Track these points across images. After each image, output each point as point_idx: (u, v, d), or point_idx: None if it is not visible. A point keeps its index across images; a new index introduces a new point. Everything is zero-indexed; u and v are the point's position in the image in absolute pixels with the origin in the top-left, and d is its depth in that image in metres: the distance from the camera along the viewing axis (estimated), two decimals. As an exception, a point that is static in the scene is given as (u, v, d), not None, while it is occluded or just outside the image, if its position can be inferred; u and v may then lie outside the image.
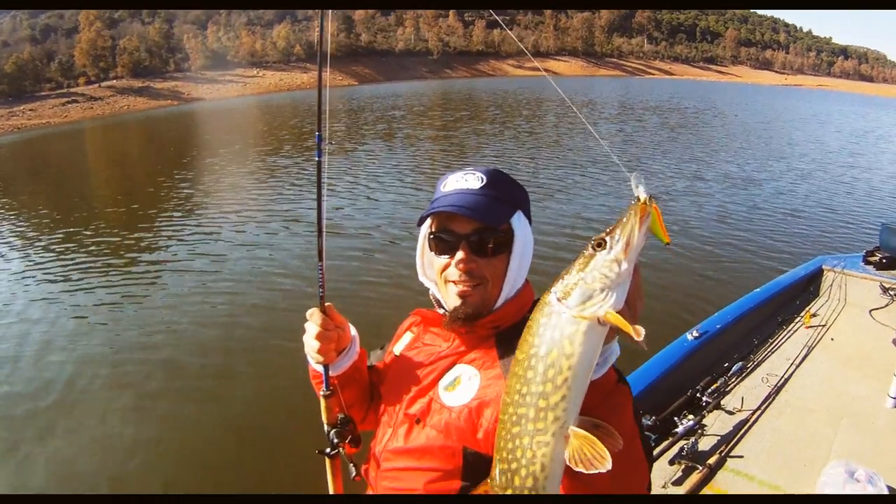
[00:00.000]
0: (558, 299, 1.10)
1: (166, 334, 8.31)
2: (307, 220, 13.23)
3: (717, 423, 4.02)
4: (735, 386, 4.44)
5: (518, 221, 1.58)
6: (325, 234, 1.79)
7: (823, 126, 36.47)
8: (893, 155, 25.02)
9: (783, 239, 11.89)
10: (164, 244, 12.68)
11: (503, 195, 1.59)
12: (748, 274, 9.75)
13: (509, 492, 1.15)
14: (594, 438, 1.07)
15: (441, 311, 1.67)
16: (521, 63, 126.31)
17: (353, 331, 1.79)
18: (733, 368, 4.56)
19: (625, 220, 1.09)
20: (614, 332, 1.10)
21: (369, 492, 1.73)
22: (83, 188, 21.18)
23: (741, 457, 3.71)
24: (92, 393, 6.92)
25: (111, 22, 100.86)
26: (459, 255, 1.53)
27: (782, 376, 4.50)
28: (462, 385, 1.54)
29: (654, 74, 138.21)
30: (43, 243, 13.24)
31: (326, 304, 1.72)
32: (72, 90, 73.57)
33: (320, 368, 1.75)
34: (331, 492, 1.87)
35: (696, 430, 3.90)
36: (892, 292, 5.75)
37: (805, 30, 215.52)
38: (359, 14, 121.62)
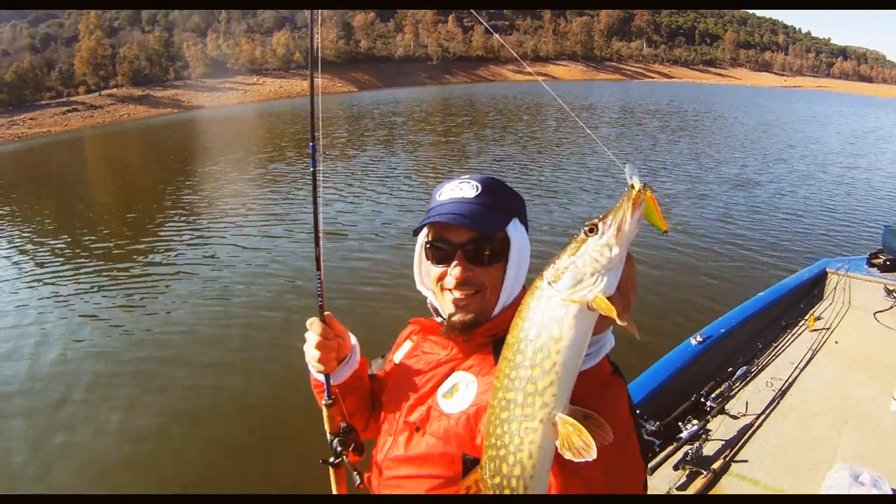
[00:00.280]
0: (549, 283, 1.09)
1: (169, 339, 8.37)
2: (310, 225, 13.15)
3: (721, 428, 4.00)
4: (739, 390, 4.43)
5: (514, 229, 1.59)
6: (322, 244, 1.80)
7: (824, 127, 36.55)
8: (894, 155, 25.02)
9: (786, 241, 11.91)
10: (167, 250, 12.76)
11: (498, 203, 1.60)
12: (751, 277, 9.76)
13: (497, 479, 1.14)
14: (581, 426, 1.05)
15: (439, 319, 1.67)
16: (521, 68, 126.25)
17: (353, 339, 1.80)
18: (737, 373, 4.55)
19: (617, 206, 1.08)
20: (607, 321, 1.09)
21: None
22: (85, 196, 21.25)
23: (746, 461, 3.70)
24: (96, 398, 6.97)
25: (111, 30, 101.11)
26: (456, 264, 1.54)
27: (787, 380, 4.48)
28: (460, 392, 1.55)
29: (653, 78, 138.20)
30: (48, 249, 13.38)
31: (326, 313, 1.72)
32: (72, 99, 73.63)
33: (321, 377, 1.75)
34: None
35: (701, 434, 3.87)
36: None
37: (804, 31, 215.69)
38: (358, 20, 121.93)
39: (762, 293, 5.76)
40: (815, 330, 5.29)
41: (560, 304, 1.07)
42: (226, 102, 76.58)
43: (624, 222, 1.06)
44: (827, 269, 6.31)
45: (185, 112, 70.17)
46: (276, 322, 8.62)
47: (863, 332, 5.27)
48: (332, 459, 1.78)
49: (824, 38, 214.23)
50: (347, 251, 11.59)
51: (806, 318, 5.53)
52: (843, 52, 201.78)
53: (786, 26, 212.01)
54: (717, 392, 4.31)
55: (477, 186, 1.59)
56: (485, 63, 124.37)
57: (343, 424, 1.80)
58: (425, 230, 1.62)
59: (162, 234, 14.27)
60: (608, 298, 1.05)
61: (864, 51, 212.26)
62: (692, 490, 3.47)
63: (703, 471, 3.55)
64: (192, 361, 7.66)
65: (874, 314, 5.53)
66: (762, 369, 4.71)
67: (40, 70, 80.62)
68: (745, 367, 4.63)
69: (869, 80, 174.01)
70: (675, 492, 3.49)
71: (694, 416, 4.08)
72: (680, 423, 3.97)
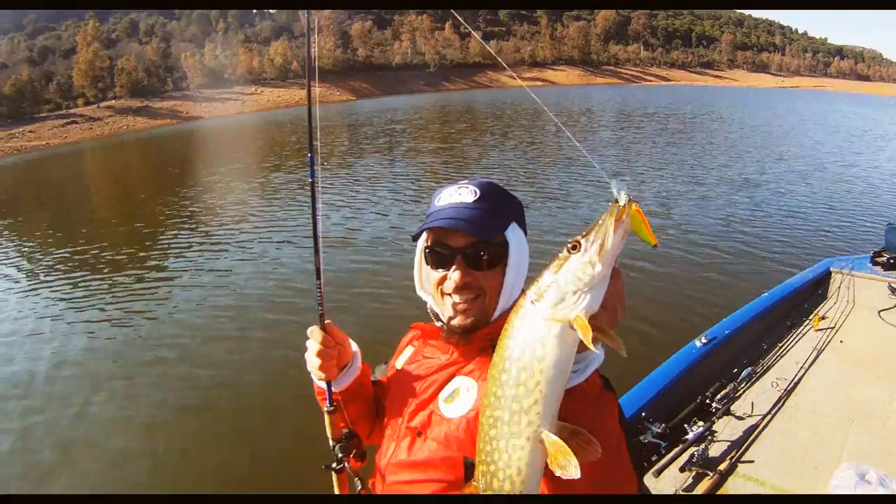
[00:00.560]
0: (532, 301, 1.08)
1: (172, 348, 8.44)
2: (311, 234, 13.23)
3: (727, 429, 4.01)
4: (745, 391, 4.43)
5: (513, 233, 1.60)
6: (321, 254, 1.82)
7: (822, 127, 36.52)
8: (892, 153, 25.06)
9: (789, 241, 11.91)
10: (169, 260, 12.85)
11: (497, 208, 1.61)
12: (755, 277, 9.74)
13: (489, 493, 1.15)
14: (564, 445, 1.06)
15: (439, 324, 1.68)
16: (519, 73, 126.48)
17: (354, 346, 1.81)
18: (743, 373, 4.55)
19: (600, 222, 1.07)
20: (595, 338, 1.06)
21: None
22: (87, 208, 21.37)
23: (752, 462, 3.70)
24: (100, 408, 7.02)
25: (109, 42, 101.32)
26: (455, 268, 1.55)
27: (792, 380, 4.48)
28: (461, 396, 1.55)
29: (651, 81, 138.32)
30: (49, 262, 13.41)
31: (326, 321, 1.74)
32: (71, 111, 73.63)
33: (323, 385, 1.76)
34: None
35: (707, 436, 3.87)
36: None
37: (800, 31, 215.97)
38: (355, 29, 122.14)
39: (766, 294, 5.75)
40: (820, 330, 5.29)
41: (543, 324, 1.06)
42: (224, 113, 76.61)
43: (606, 239, 1.04)
44: (831, 269, 6.31)
45: (183, 123, 70.23)
46: (283, 326, 8.66)
47: (868, 331, 5.27)
48: (333, 465, 1.79)
49: (821, 38, 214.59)
50: (349, 257, 11.64)
51: (810, 317, 5.53)
52: (840, 52, 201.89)
53: (782, 27, 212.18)
54: (722, 393, 4.31)
55: (476, 191, 1.61)
56: (482, 69, 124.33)
57: (345, 430, 1.81)
58: (425, 235, 1.63)
59: (166, 242, 14.37)
60: (594, 315, 1.04)
61: (861, 49, 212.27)
62: (699, 491, 3.47)
63: (709, 472, 3.55)
64: (197, 374, 7.67)
65: (879, 313, 5.52)
66: (767, 370, 4.71)
67: (39, 83, 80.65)
68: (750, 368, 4.63)
69: (866, 78, 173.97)
70: (682, 493, 3.50)
71: (700, 417, 4.07)
72: (686, 425, 3.97)
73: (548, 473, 1.11)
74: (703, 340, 4.71)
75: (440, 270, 1.59)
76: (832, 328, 5.31)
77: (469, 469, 1.42)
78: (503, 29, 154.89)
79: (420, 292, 1.75)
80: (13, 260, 14.00)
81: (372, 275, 10.68)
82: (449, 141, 31.64)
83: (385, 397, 1.84)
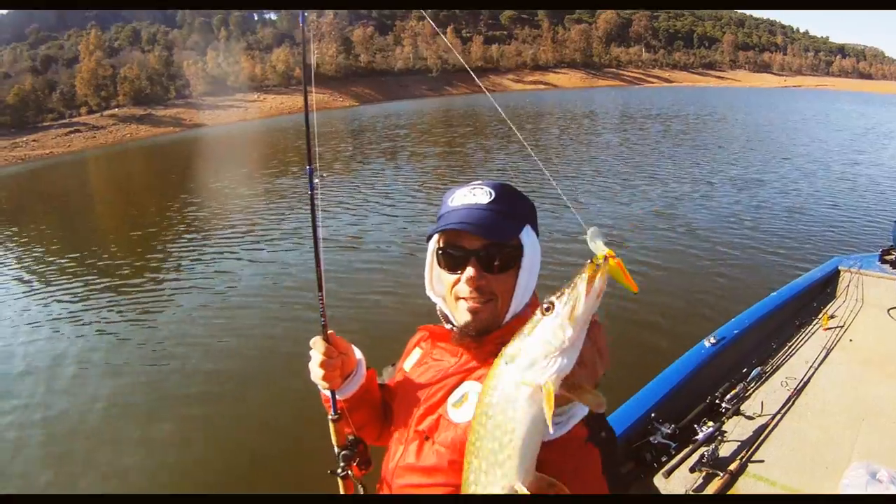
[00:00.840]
0: (505, 363, 1.10)
1: (182, 351, 8.54)
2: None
3: (737, 429, 4.00)
4: (754, 391, 4.42)
5: (526, 236, 1.59)
6: (322, 265, 1.83)
7: (826, 125, 36.51)
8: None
9: (796, 239, 11.92)
10: (173, 266, 12.98)
11: (511, 210, 1.59)
12: (763, 276, 9.79)
13: None
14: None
15: (449, 326, 1.68)
16: (521, 77, 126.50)
17: (358, 354, 1.82)
18: (752, 373, 4.53)
19: (573, 283, 1.07)
20: (574, 392, 1.08)
21: None
22: (91, 215, 21.54)
23: (762, 461, 3.70)
24: (104, 409, 7.12)
25: (111, 51, 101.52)
26: (469, 271, 1.53)
27: (801, 379, 4.47)
28: (469, 402, 1.53)
29: (653, 83, 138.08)
30: (55, 268, 13.50)
31: (329, 331, 1.73)
32: (74, 120, 73.73)
33: (328, 393, 1.78)
34: None
35: (717, 436, 3.87)
36: None
37: (802, 30, 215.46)
38: (357, 35, 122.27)
39: (775, 293, 5.73)
40: (829, 328, 5.27)
41: (514, 385, 1.08)
42: (227, 120, 76.74)
43: (578, 303, 1.04)
44: (839, 268, 6.28)
45: (187, 130, 70.33)
46: (289, 331, 8.66)
47: (877, 330, 5.25)
48: (338, 472, 1.81)
49: (822, 37, 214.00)
50: (354, 258, 11.79)
51: (819, 316, 5.50)
52: (842, 50, 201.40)
53: (783, 26, 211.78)
54: (731, 393, 4.30)
55: (490, 193, 1.59)
56: (485, 73, 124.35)
57: (350, 437, 1.82)
58: (437, 236, 1.62)
59: (170, 249, 14.44)
60: (571, 373, 1.05)
61: (863, 48, 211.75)
62: (709, 492, 3.47)
63: (719, 472, 3.55)
64: (203, 377, 7.73)
65: (888, 311, 5.51)
66: (777, 369, 4.70)
67: (42, 92, 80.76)
68: (759, 368, 4.62)
69: (868, 76, 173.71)
70: (691, 494, 3.50)
71: (709, 417, 4.07)
72: (695, 425, 3.97)
73: None
74: (712, 340, 4.70)
75: (453, 273, 1.57)
76: (841, 327, 5.30)
77: None
78: (504, 33, 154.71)
79: (430, 293, 1.74)
80: (20, 266, 14.13)
81: (378, 276, 10.76)
82: (453, 145, 31.68)
83: (393, 399, 1.84)
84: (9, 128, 67.30)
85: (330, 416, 1.80)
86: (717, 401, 4.22)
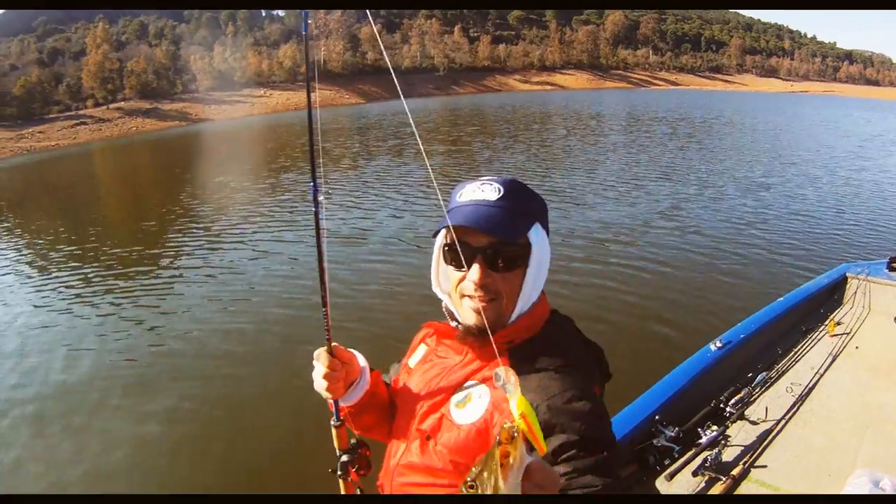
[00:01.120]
0: None
1: (182, 344, 8.56)
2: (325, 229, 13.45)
3: (740, 434, 3.98)
4: (759, 396, 4.39)
5: (536, 235, 1.55)
6: (327, 282, 1.80)
7: (832, 131, 36.54)
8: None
9: (801, 245, 11.90)
10: (179, 258, 13.01)
11: (521, 207, 1.55)
12: (769, 281, 9.79)
13: None
14: None
15: (454, 323, 1.66)
16: (528, 78, 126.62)
17: (362, 361, 1.80)
18: (757, 378, 4.51)
19: (484, 466, 1.01)
20: None
21: None
22: (95, 207, 21.53)
23: (765, 467, 3.68)
24: (109, 402, 7.12)
25: (118, 44, 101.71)
26: (475, 269, 1.49)
27: (806, 386, 4.44)
28: (472, 403, 1.52)
29: (660, 85, 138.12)
30: (60, 259, 13.59)
31: (333, 344, 1.72)
32: (80, 112, 73.92)
33: (332, 401, 1.78)
34: None
35: (720, 440, 3.85)
36: None
37: (809, 35, 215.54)
38: (364, 32, 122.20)
39: (781, 298, 5.70)
40: (836, 335, 5.23)
41: None
42: (233, 115, 76.85)
43: (498, 485, 0.97)
44: (847, 274, 6.23)
45: (192, 125, 70.52)
46: (300, 324, 8.68)
47: (884, 337, 5.21)
48: (339, 473, 1.81)
49: (830, 43, 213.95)
50: (360, 255, 11.80)
51: (826, 323, 5.46)
52: (849, 56, 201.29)
53: (791, 31, 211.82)
54: (736, 397, 4.28)
55: (499, 189, 1.54)
56: (491, 73, 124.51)
57: (352, 441, 1.83)
58: (443, 231, 1.58)
59: (177, 241, 14.52)
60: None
61: (870, 54, 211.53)
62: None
63: (722, 477, 3.52)
64: (207, 371, 7.72)
65: (895, 319, 5.48)
66: (782, 375, 4.67)
67: (48, 84, 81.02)
68: (764, 373, 4.59)
69: (876, 83, 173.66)
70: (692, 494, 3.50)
71: (713, 421, 4.05)
72: (699, 429, 3.94)
73: None
74: (718, 344, 4.67)
75: (459, 270, 1.54)
76: (848, 334, 5.26)
77: None
78: (512, 33, 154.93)
79: (436, 289, 1.71)
80: (25, 256, 14.21)
81: (383, 273, 10.79)
82: (459, 143, 31.72)
83: (397, 396, 1.83)
84: (15, 119, 67.53)
85: (332, 422, 1.80)
86: (721, 405, 4.20)
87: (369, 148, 31.13)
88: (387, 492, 1.68)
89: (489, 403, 1.48)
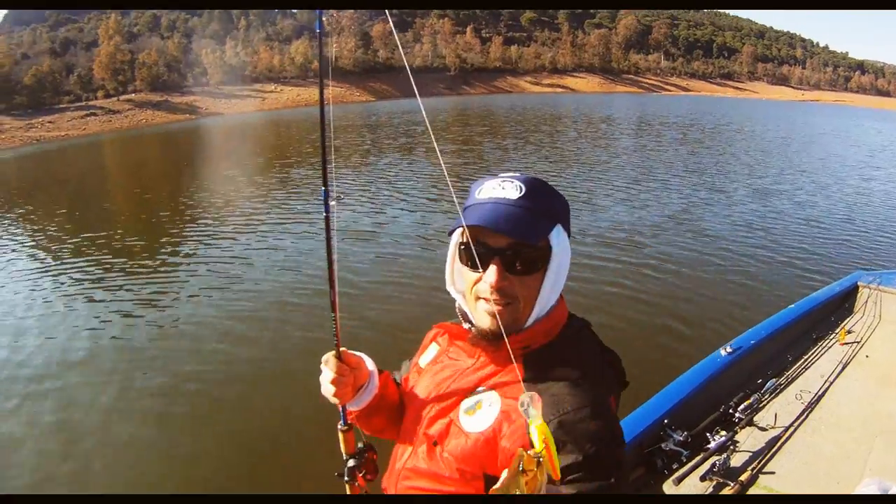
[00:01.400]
0: None
1: (189, 341, 8.48)
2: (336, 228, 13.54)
3: (749, 440, 3.96)
4: (768, 402, 4.38)
5: (556, 237, 1.48)
6: (336, 288, 1.76)
7: (843, 141, 36.56)
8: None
9: (812, 252, 11.90)
10: (187, 251, 13.00)
11: (543, 207, 1.48)
12: (779, 287, 9.79)
13: None
14: None
15: (466, 325, 1.61)
16: (539, 80, 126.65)
17: (370, 365, 1.77)
18: (767, 384, 4.50)
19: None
20: None
21: None
22: (104, 198, 21.50)
23: (773, 473, 3.67)
24: (111, 394, 7.13)
25: (130, 36, 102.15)
26: (492, 271, 1.42)
27: (816, 393, 4.43)
28: (482, 410, 1.47)
29: (671, 91, 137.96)
30: (68, 248, 13.63)
31: (342, 349, 1.69)
32: (90, 103, 74.07)
33: (340, 406, 1.76)
34: None
35: (729, 446, 3.84)
36: None
37: (821, 45, 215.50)
38: (376, 30, 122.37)
39: (792, 305, 5.68)
40: (846, 343, 5.21)
41: None
42: (244, 109, 77.05)
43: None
44: (858, 283, 6.21)
45: (202, 118, 70.65)
46: (306, 320, 8.68)
47: (894, 347, 5.19)
48: (346, 478, 1.79)
49: (842, 53, 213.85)
50: (370, 252, 11.83)
51: (837, 331, 5.44)
52: (861, 66, 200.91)
53: (803, 40, 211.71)
54: (745, 403, 4.26)
55: (521, 187, 1.47)
56: (503, 74, 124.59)
57: (360, 445, 1.81)
58: (460, 229, 1.52)
59: (185, 233, 14.59)
60: None
61: (882, 65, 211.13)
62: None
63: (730, 482, 3.51)
64: (214, 369, 7.70)
65: None
66: (791, 382, 4.66)
67: (59, 74, 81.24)
68: (774, 379, 4.58)
69: (887, 94, 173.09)
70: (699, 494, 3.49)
71: (722, 427, 4.04)
72: (708, 434, 3.94)
73: None
74: (728, 350, 4.66)
75: (475, 271, 1.47)
76: (858, 342, 5.24)
77: (489, 483, 1.38)
78: (524, 35, 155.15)
79: (450, 288, 1.65)
80: (32, 245, 14.19)
81: (394, 271, 10.79)
82: (470, 143, 31.74)
83: (405, 395, 1.80)
84: (25, 108, 67.70)
85: (339, 427, 1.78)
86: (730, 410, 4.19)
87: (380, 146, 31.12)
88: (392, 493, 1.66)
89: (499, 412, 1.43)
